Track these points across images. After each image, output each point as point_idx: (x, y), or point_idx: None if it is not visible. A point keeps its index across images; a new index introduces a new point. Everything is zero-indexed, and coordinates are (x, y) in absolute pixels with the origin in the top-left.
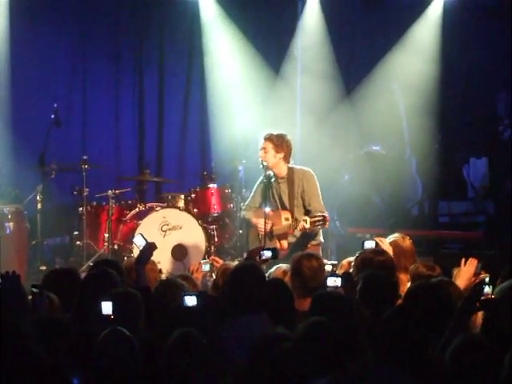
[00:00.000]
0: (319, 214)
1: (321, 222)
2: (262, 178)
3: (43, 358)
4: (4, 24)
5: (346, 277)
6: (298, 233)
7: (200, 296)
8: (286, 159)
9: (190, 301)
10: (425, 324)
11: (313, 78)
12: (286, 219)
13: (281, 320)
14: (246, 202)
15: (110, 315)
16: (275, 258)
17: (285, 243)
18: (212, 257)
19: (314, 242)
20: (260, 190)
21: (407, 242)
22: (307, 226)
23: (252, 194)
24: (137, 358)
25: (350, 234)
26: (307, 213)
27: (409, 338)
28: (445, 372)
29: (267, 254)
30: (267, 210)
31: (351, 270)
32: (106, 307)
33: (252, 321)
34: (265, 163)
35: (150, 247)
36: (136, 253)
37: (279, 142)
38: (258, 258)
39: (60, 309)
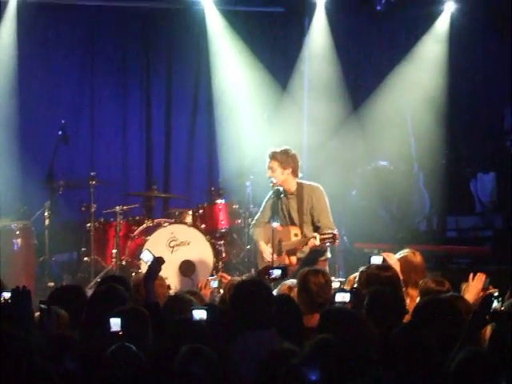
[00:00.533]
0: (329, 231)
1: (330, 240)
2: (270, 193)
3: (51, 374)
4: (12, 40)
5: (354, 292)
6: (306, 249)
7: (209, 310)
8: (295, 173)
9: (199, 315)
10: (434, 339)
11: (320, 93)
12: (296, 235)
13: (289, 336)
14: (256, 217)
15: (119, 331)
16: (284, 276)
17: (294, 259)
18: (220, 273)
19: (321, 258)
20: (269, 205)
21: (418, 258)
22: (317, 243)
23: (261, 208)
24: (144, 373)
25: (358, 249)
26: (316, 229)
27: (418, 354)
28: None
29: (276, 272)
30: (275, 224)
31: (355, 286)
32: (115, 323)
33: (259, 337)
34: (274, 181)
35: (157, 262)
36: (144, 269)
37: (284, 159)
38: (266, 276)
39: (69, 325)
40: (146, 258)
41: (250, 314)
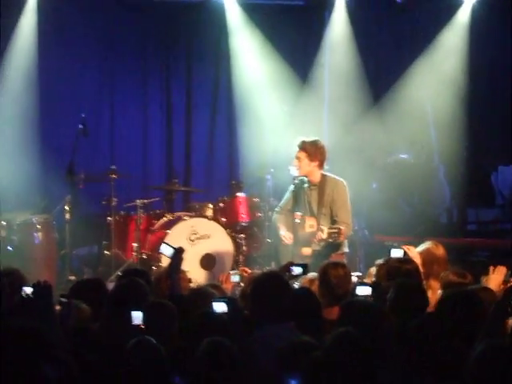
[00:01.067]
0: (336, 226)
1: (335, 235)
2: (295, 181)
3: (72, 367)
4: (32, 33)
5: (375, 285)
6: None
7: (229, 303)
8: (321, 166)
9: (219, 307)
10: (457, 332)
11: (340, 86)
12: (311, 226)
13: (308, 329)
14: (280, 203)
15: (140, 325)
16: (305, 273)
17: (307, 250)
18: (241, 267)
19: (338, 252)
20: (293, 194)
21: (440, 250)
22: (324, 236)
23: (285, 196)
24: (164, 366)
25: (378, 241)
26: (333, 223)
27: (440, 347)
28: (469, 379)
29: (297, 270)
30: (298, 214)
31: (373, 279)
32: (137, 317)
33: (277, 330)
34: (295, 172)
35: (178, 252)
36: (164, 262)
37: (312, 151)
38: (288, 273)
39: (89, 318)
40: (166, 251)
41: (267, 307)
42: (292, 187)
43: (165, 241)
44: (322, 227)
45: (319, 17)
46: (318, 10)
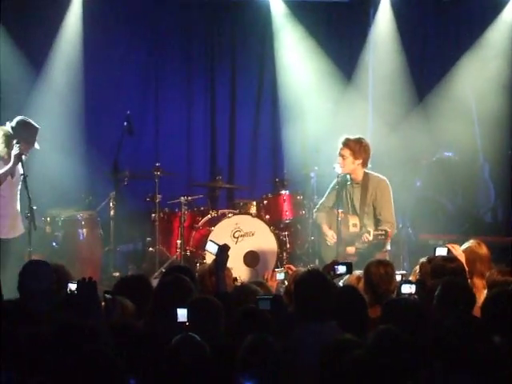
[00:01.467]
0: (383, 228)
1: (382, 237)
2: (337, 179)
3: (117, 363)
4: (77, 33)
5: (419, 284)
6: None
7: (274, 300)
8: (364, 164)
9: (264, 305)
10: (502, 331)
11: (385, 83)
12: (354, 225)
13: (353, 327)
14: (320, 201)
15: (185, 322)
16: (350, 273)
17: (351, 249)
18: (286, 265)
19: (382, 249)
20: (334, 191)
21: (483, 248)
22: (370, 238)
23: (326, 193)
24: (208, 363)
25: (422, 240)
26: (377, 222)
27: (484, 346)
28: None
29: (341, 268)
30: (339, 211)
31: (417, 276)
32: (182, 314)
33: (318, 329)
34: (339, 169)
35: (223, 249)
36: (209, 259)
37: (357, 148)
38: (332, 272)
39: (134, 315)
40: (211, 248)
41: (309, 305)
42: (334, 184)
43: (210, 238)
44: (368, 229)
45: (364, 14)
46: (362, 7)
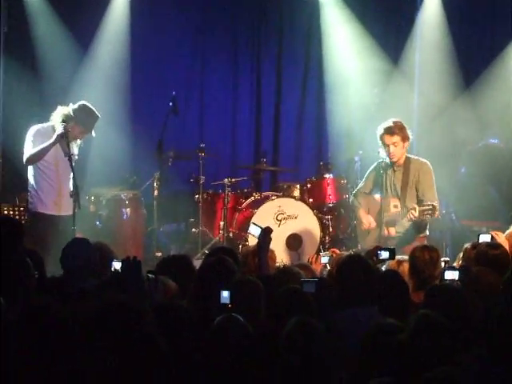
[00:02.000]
0: (428, 202)
1: (429, 211)
2: (375, 164)
3: (160, 343)
4: (125, 14)
5: (463, 270)
6: (406, 223)
7: (319, 283)
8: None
9: (309, 287)
10: None
11: (431, 69)
12: (395, 206)
13: (395, 312)
14: (357, 187)
15: (228, 304)
16: (393, 258)
17: (392, 230)
18: (332, 249)
19: (420, 235)
20: (372, 177)
21: None
22: (416, 214)
23: (364, 179)
24: (252, 344)
25: (466, 226)
26: (420, 203)
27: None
28: None
29: (384, 254)
30: (377, 196)
31: (460, 262)
32: (225, 296)
33: (359, 313)
34: (387, 158)
35: (266, 233)
36: (251, 241)
37: (404, 132)
38: (375, 257)
39: (177, 295)
40: (254, 231)
41: (349, 290)
42: (372, 170)
43: (253, 221)
44: (414, 205)
45: (412, 0)
46: None
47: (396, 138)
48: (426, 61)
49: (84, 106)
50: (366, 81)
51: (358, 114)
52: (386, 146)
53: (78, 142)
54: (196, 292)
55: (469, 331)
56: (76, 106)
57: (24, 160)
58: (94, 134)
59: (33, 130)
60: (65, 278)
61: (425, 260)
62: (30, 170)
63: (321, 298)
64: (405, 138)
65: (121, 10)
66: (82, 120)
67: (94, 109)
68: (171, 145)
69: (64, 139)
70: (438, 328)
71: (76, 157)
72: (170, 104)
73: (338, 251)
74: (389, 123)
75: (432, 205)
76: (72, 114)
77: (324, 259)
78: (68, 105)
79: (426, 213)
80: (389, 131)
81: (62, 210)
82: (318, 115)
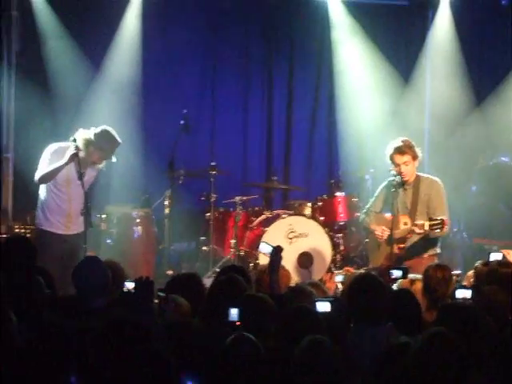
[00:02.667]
0: (437, 217)
1: (439, 226)
2: (385, 183)
3: (170, 362)
4: (136, 32)
5: (474, 288)
6: (416, 238)
7: (334, 302)
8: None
9: (323, 307)
10: None
11: (442, 87)
12: (405, 224)
13: (408, 330)
14: (367, 206)
15: (236, 321)
16: (405, 277)
17: (402, 247)
18: (346, 268)
19: (431, 252)
20: (383, 196)
21: None
22: (426, 228)
23: (374, 198)
24: (263, 363)
25: (477, 245)
26: (429, 220)
27: None
28: None
29: (397, 273)
30: (388, 215)
31: (471, 280)
32: (234, 313)
33: (374, 332)
34: (399, 178)
35: (277, 251)
36: (262, 260)
37: (413, 151)
38: (387, 276)
39: (188, 313)
40: (265, 250)
41: (364, 308)
42: (382, 188)
43: (263, 240)
44: (419, 222)
45: (423, 17)
46: (421, 9)
47: (407, 157)
48: (437, 78)
49: (105, 131)
50: (377, 98)
51: (369, 132)
52: (396, 165)
53: (99, 166)
54: (207, 310)
55: (481, 350)
56: (98, 130)
57: (36, 178)
58: (114, 159)
59: (51, 148)
60: (77, 297)
61: (437, 279)
62: (41, 187)
63: (335, 317)
64: (415, 157)
65: (132, 27)
66: (102, 146)
67: (115, 135)
68: (182, 163)
69: (76, 159)
70: (450, 345)
71: (92, 179)
72: (182, 122)
73: (352, 270)
74: (398, 143)
75: (441, 219)
76: (93, 138)
77: (338, 278)
78: (89, 128)
79: (434, 227)
80: (399, 151)
81: (70, 229)
82: (329, 133)
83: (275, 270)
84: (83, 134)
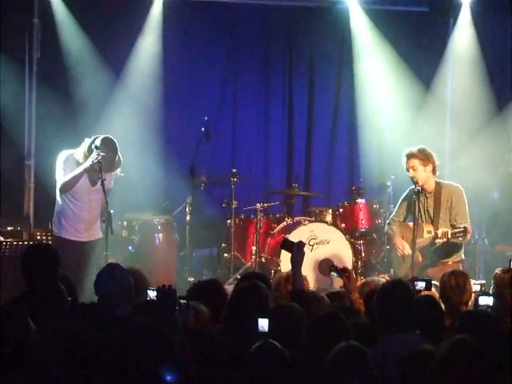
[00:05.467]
0: (460, 225)
1: (461, 234)
2: (407, 192)
3: (192, 370)
4: (157, 39)
5: (496, 295)
6: (439, 246)
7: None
8: (434, 171)
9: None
10: None
11: (464, 93)
12: (428, 232)
13: (431, 337)
14: (391, 216)
15: (266, 332)
16: (429, 289)
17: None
18: (380, 274)
19: (456, 259)
20: (405, 205)
21: None
22: (449, 236)
23: (397, 208)
24: (289, 371)
25: (499, 251)
26: (452, 227)
27: None
28: None
29: (421, 284)
30: (410, 224)
31: (491, 288)
32: (263, 324)
33: (402, 340)
34: (419, 182)
35: (299, 247)
36: (283, 266)
37: (423, 156)
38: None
39: (209, 320)
40: (287, 246)
41: (390, 316)
42: (404, 197)
43: (285, 236)
44: (442, 230)
45: (444, 23)
46: (442, 16)
47: (414, 162)
48: (458, 85)
49: (103, 138)
50: (398, 106)
51: (391, 138)
52: (407, 170)
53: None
54: (229, 317)
55: (503, 356)
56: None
57: (58, 188)
58: (120, 173)
59: (62, 156)
60: (99, 305)
61: (451, 286)
62: (58, 196)
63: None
64: (426, 163)
65: (154, 37)
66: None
67: (111, 142)
68: (203, 170)
69: (97, 165)
70: (474, 352)
71: (110, 185)
72: (203, 129)
73: (386, 276)
74: (411, 148)
75: (464, 227)
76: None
77: None
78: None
79: (457, 235)
80: (407, 155)
81: (86, 237)
82: (350, 140)
83: (298, 266)
84: (88, 141)
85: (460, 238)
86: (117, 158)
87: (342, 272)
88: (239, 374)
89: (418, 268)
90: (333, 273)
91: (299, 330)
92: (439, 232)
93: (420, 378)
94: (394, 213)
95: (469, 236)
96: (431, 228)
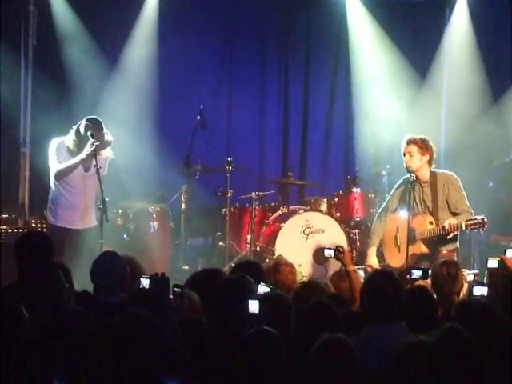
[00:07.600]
0: (478, 217)
1: (479, 225)
2: (400, 181)
3: (185, 358)
4: (153, 29)
5: (490, 285)
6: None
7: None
8: (430, 162)
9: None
10: None
11: (459, 84)
12: (431, 223)
13: (423, 327)
14: (382, 206)
15: (257, 313)
16: (425, 278)
17: (425, 248)
18: (367, 263)
19: (450, 247)
20: (399, 193)
21: None
22: (463, 228)
23: (389, 197)
24: (283, 357)
25: (494, 241)
26: (453, 215)
27: None
28: None
29: (417, 273)
30: (403, 214)
31: (485, 278)
32: (254, 305)
33: (386, 330)
34: (413, 175)
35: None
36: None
37: (424, 145)
38: (408, 276)
39: (201, 309)
40: (329, 253)
41: (376, 306)
42: (398, 186)
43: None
44: (453, 222)
45: (440, 13)
46: (439, 6)
47: (412, 148)
48: (454, 75)
49: (88, 120)
50: (394, 95)
51: (386, 128)
52: (403, 154)
53: (105, 156)
54: (215, 306)
55: (495, 346)
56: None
57: (53, 175)
58: (112, 155)
59: (53, 144)
60: (95, 293)
61: (443, 276)
62: (51, 183)
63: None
64: (424, 152)
65: (149, 24)
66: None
67: (97, 121)
68: (198, 158)
69: (92, 153)
70: (464, 341)
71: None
72: (198, 117)
73: (373, 265)
74: (414, 135)
75: (482, 219)
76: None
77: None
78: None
79: (473, 227)
80: (408, 140)
81: (81, 224)
82: (346, 129)
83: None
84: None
85: (475, 230)
86: (106, 136)
87: (337, 251)
88: (234, 360)
89: (415, 258)
90: (326, 251)
91: (289, 319)
92: (446, 224)
93: (413, 368)
94: (384, 203)
95: (485, 227)
96: (432, 218)
